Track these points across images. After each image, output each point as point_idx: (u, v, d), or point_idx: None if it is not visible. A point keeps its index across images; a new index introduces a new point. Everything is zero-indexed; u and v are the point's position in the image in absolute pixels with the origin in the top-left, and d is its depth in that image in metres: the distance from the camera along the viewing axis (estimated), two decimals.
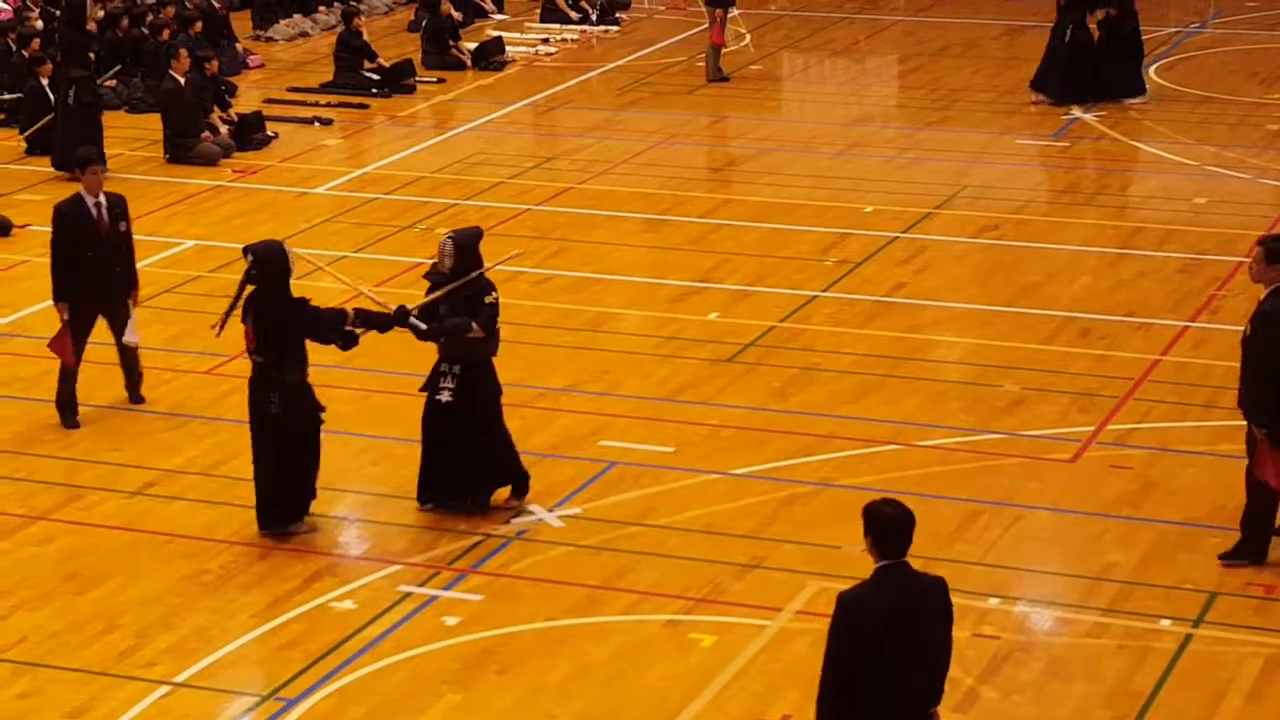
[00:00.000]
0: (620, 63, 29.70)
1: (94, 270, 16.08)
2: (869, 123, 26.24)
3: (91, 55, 26.22)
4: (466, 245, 14.11)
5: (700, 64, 28.48)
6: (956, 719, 11.56)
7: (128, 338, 16.32)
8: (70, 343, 16.01)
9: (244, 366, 16.96)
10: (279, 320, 13.73)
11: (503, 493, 14.36)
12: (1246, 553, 13.31)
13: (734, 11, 29.06)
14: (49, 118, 24.27)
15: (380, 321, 14.16)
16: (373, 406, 16.38)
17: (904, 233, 21.08)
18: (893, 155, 24.40)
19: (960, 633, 12.01)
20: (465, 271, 14.03)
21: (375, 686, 12.03)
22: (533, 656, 12.40)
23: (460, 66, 29.28)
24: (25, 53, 25.58)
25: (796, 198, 22.45)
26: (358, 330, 14.05)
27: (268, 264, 13.77)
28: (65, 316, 16.06)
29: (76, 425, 16.03)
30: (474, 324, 13.97)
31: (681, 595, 13.17)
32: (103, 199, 16.24)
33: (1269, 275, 12.88)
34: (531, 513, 14.23)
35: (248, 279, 13.82)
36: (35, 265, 20.23)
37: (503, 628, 12.75)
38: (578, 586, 13.30)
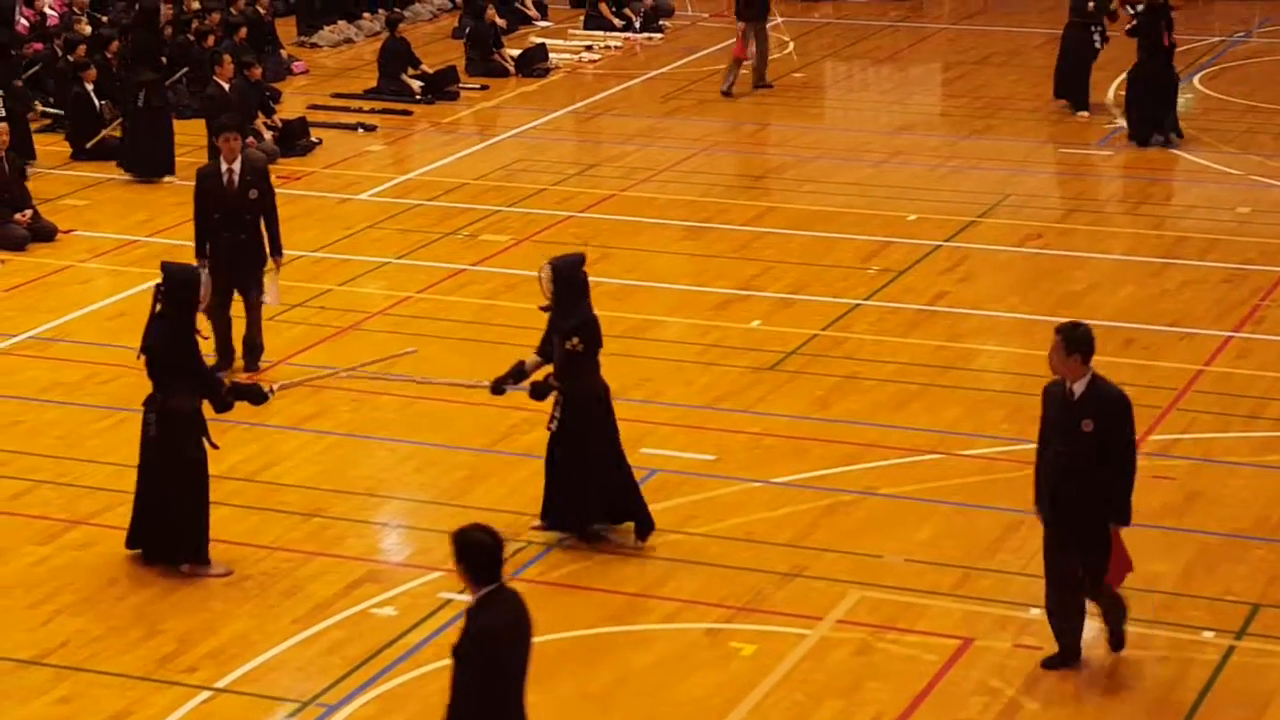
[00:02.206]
0: (663, 70, 29.70)
1: (220, 233, 16.93)
2: (912, 131, 26.19)
3: (164, 60, 26.26)
4: (566, 272, 13.74)
5: (745, 72, 28.46)
6: None
7: (267, 298, 17.16)
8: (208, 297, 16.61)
9: (289, 374, 17.08)
10: (166, 346, 13.39)
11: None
12: None
13: (776, 20, 29.03)
14: (113, 125, 24.38)
15: (254, 394, 13.85)
16: (416, 413, 16.40)
17: (947, 241, 21.03)
18: (935, 164, 24.35)
19: (1002, 643, 12.05)
20: (567, 300, 13.66)
21: (416, 693, 12.04)
22: (573, 664, 12.39)
23: (504, 73, 29.30)
24: (71, 58, 25.67)
25: (839, 206, 22.42)
26: (230, 400, 13.66)
27: (175, 285, 13.47)
28: (204, 273, 16.58)
29: (227, 368, 16.90)
30: (549, 382, 13.82)
31: (722, 604, 13.15)
32: (237, 166, 17.04)
33: None
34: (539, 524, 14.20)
35: (155, 296, 13.56)
36: (80, 270, 20.32)
37: (543, 635, 12.68)
38: (618, 594, 13.29)
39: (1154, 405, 16.37)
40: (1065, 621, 12.15)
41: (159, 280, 13.59)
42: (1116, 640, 12.34)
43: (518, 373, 14.14)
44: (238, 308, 17.24)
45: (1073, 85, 26.38)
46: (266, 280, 17.31)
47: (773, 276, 19.94)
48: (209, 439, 13.52)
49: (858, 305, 19.00)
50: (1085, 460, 11.85)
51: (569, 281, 13.74)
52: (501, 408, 16.13)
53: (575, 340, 13.64)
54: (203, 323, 13.52)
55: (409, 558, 13.98)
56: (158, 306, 13.49)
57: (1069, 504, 11.92)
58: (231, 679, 12.17)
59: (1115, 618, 12.30)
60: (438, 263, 20.41)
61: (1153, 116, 24.83)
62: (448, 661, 12.29)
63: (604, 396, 13.87)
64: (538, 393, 13.97)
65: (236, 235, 17.08)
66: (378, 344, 17.89)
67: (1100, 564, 11.91)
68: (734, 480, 15.04)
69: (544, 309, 13.91)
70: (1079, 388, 11.93)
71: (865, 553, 13.79)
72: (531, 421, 15.90)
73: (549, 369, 13.97)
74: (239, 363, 17.24)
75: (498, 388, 14.31)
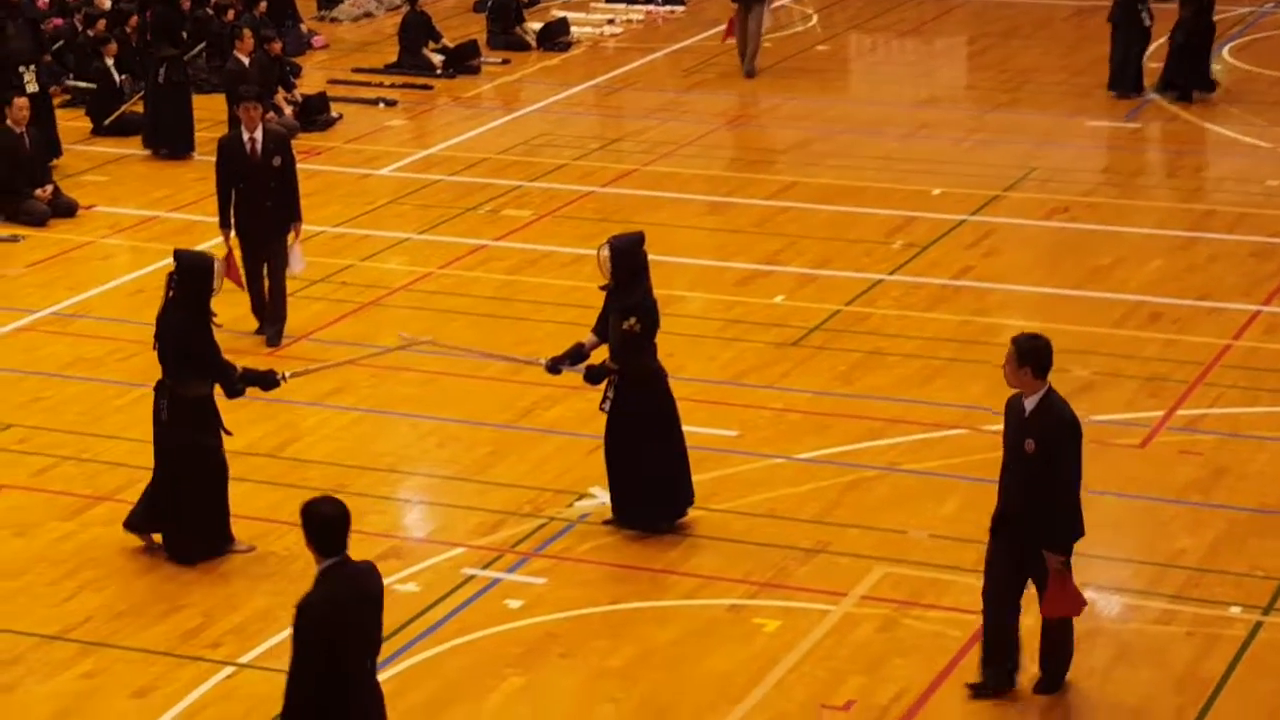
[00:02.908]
0: (686, 43, 29.58)
1: (245, 201, 17.16)
2: (937, 104, 26.08)
3: (184, 35, 26.21)
4: (625, 251, 13.55)
5: (767, 45, 28.33)
6: (1024, 704, 11.46)
7: (293, 266, 17.32)
8: (236, 265, 17.12)
9: (312, 349, 17.07)
10: (178, 333, 13.34)
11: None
12: None
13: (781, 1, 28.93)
14: (132, 101, 24.36)
15: (265, 380, 13.76)
16: (438, 389, 16.35)
17: (972, 215, 20.94)
18: (961, 137, 24.24)
19: (1027, 619, 11.95)
20: (627, 280, 13.46)
21: (438, 669, 12.01)
22: (596, 640, 12.35)
23: (525, 47, 29.22)
24: (91, 33, 25.64)
25: (863, 180, 22.33)
26: (241, 386, 13.64)
27: (188, 273, 13.41)
28: (230, 241, 17.24)
29: (265, 332, 17.31)
30: (605, 365, 13.66)
31: (745, 580, 13.10)
32: (259, 134, 17.22)
33: None
34: (595, 496, 14.17)
35: (168, 283, 13.50)
36: (101, 246, 20.30)
37: (566, 611, 12.71)
38: (641, 570, 13.25)
39: (1181, 380, 16.29)
40: (995, 644, 11.50)
41: (171, 268, 13.53)
42: (1045, 684, 11.54)
43: (576, 353, 13.91)
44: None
45: (1126, 73, 25.70)
46: (290, 248, 17.36)
47: (796, 251, 19.86)
48: (222, 426, 13.47)
49: (881, 280, 18.92)
50: (1027, 482, 11.22)
51: (629, 260, 13.56)
52: (524, 384, 16.10)
53: (633, 320, 13.46)
54: (216, 307, 13.45)
55: (431, 534, 13.94)
56: (170, 293, 13.43)
57: (1014, 523, 11.31)
58: (255, 654, 12.15)
59: (1053, 660, 11.57)
60: (459, 238, 20.36)
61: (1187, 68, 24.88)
62: (473, 637, 12.33)
63: (661, 378, 13.71)
64: (593, 376, 13.73)
65: (261, 203, 17.21)
66: (399, 320, 17.86)
67: (1042, 593, 11.30)
68: (757, 456, 14.98)
69: (604, 289, 13.73)
70: (1030, 404, 11.28)
71: (889, 528, 13.73)
72: (553, 398, 15.87)
73: (606, 350, 13.80)
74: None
75: (554, 367, 14.05)
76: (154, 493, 13.50)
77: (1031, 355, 11.26)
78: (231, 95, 24.04)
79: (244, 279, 17.37)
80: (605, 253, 13.57)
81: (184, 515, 13.37)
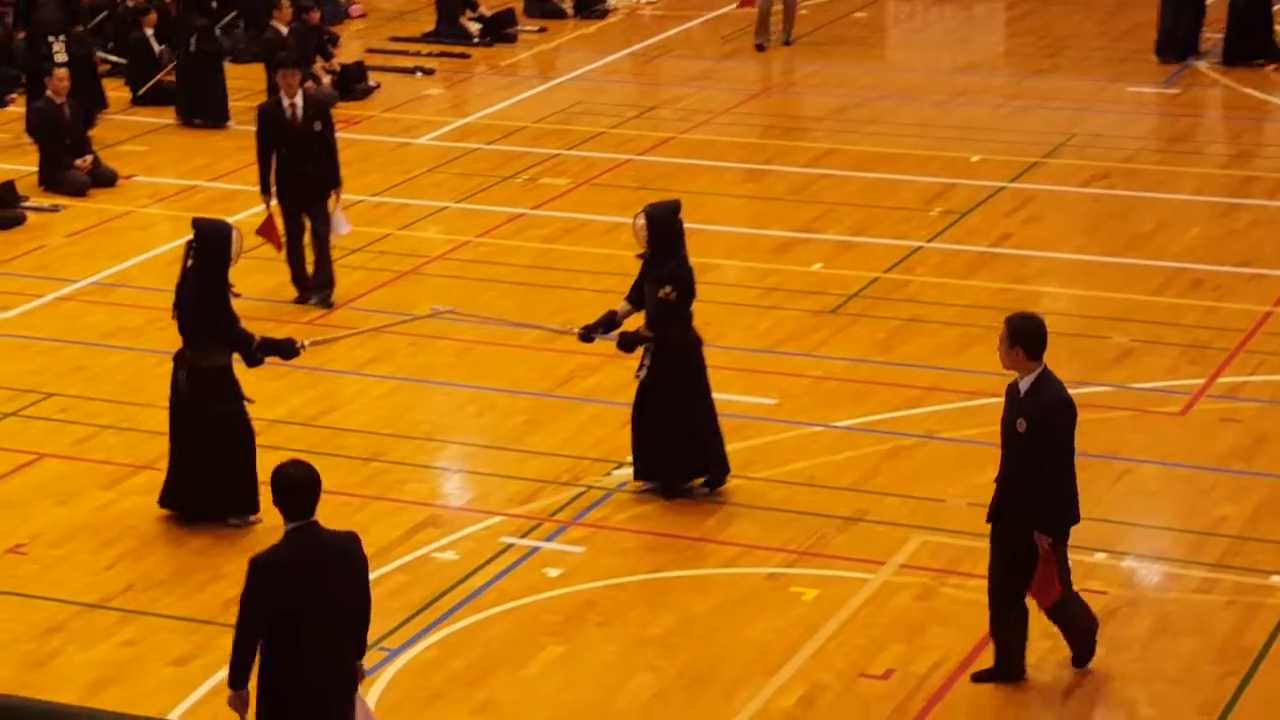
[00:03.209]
0: (722, 11, 29.49)
1: (286, 167, 17.23)
2: (975, 71, 25.98)
3: (214, 4, 26.22)
4: (660, 219, 13.53)
5: (804, 12, 28.24)
6: (1063, 674, 11.44)
7: (336, 230, 17.41)
8: (276, 230, 17.31)
9: (351, 317, 17.10)
10: (196, 303, 13.32)
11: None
12: None
13: None
14: (165, 71, 24.40)
15: (284, 349, 13.72)
16: (476, 358, 16.37)
17: (1011, 182, 20.86)
18: (1000, 104, 24.15)
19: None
20: (663, 248, 13.43)
21: (477, 637, 12.03)
22: (634, 608, 12.36)
23: (562, 15, 29.17)
24: (130, 3, 25.67)
25: (901, 147, 22.26)
26: (260, 355, 13.59)
27: (206, 242, 13.37)
28: (271, 207, 17.33)
29: (306, 300, 17.48)
30: (639, 333, 13.66)
31: (784, 548, 13.09)
32: (299, 100, 17.31)
33: None
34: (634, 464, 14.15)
35: (186, 252, 13.48)
36: (140, 216, 20.35)
37: (604, 580, 12.73)
38: (679, 539, 13.25)
39: (1222, 347, 16.23)
40: (1000, 635, 11.33)
41: (190, 237, 13.51)
42: (1078, 656, 11.47)
43: (608, 321, 13.91)
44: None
45: (1176, 38, 25.46)
46: (332, 213, 17.42)
47: (833, 219, 19.81)
48: (242, 394, 13.48)
49: (920, 248, 18.87)
50: (1021, 464, 11.00)
51: (665, 228, 13.54)
52: (561, 352, 16.11)
53: (668, 289, 13.43)
54: (255, 276, 13.45)
55: (469, 502, 13.96)
56: (189, 262, 13.43)
57: (1010, 509, 11.09)
58: None
59: (1076, 636, 11.43)
60: (496, 207, 20.35)
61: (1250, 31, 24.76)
62: (511, 606, 12.36)
63: (696, 347, 13.68)
64: (626, 344, 13.73)
65: (303, 168, 17.29)
66: (436, 289, 17.87)
67: (1032, 578, 11.04)
68: (795, 424, 14.96)
69: (641, 257, 13.71)
70: (1024, 385, 11.02)
71: (927, 497, 13.71)
72: (590, 366, 15.87)
73: (640, 318, 13.79)
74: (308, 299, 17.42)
75: (587, 335, 14.07)
76: (175, 465, 13.53)
77: (1023, 335, 10.99)
78: (270, 65, 24.10)
79: (284, 245, 17.44)
80: (641, 221, 13.56)
81: (212, 483, 13.39)
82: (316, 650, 9.36)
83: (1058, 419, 10.93)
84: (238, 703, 9.52)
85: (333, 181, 17.48)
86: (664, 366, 13.57)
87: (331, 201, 17.45)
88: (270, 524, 13.36)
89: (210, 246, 13.35)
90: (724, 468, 13.80)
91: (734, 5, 28.93)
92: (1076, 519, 11.13)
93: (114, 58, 25.15)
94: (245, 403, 13.48)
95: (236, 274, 13.61)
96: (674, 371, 13.57)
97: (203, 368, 13.32)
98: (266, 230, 17.40)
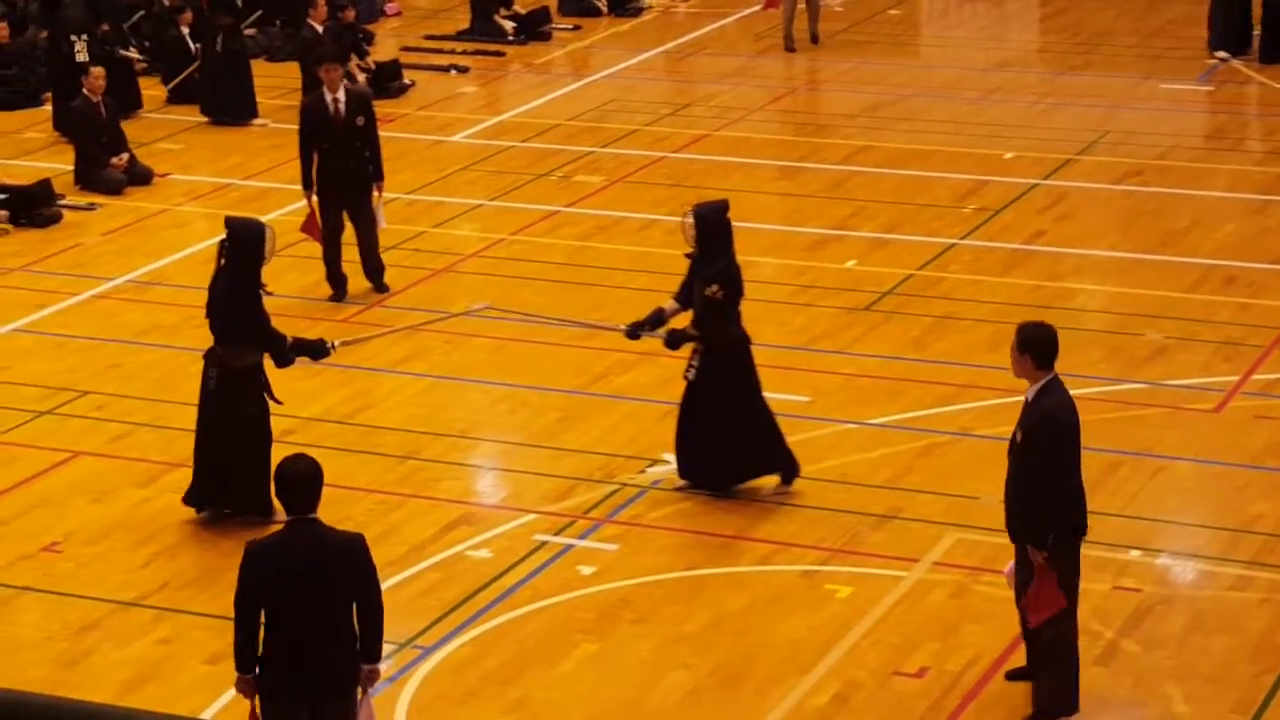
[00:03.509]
0: (756, 9, 29.47)
1: (328, 162, 17.29)
2: (1009, 68, 25.94)
3: (239, 2, 26.30)
4: (708, 218, 13.57)
5: (839, 9, 28.21)
6: (1097, 672, 11.43)
7: (377, 225, 17.51)
8: (317, 224, 17.35)
9: (383, 316, 17.14)
10: (228, 302, 13.34)
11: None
12: None
13: None
14: (192, 67, 24.47)
15: (315, 350, 13.75)
16: (509, 355, 16.40)
17: (1044, 179, 20.83)
18: (1033, 100, 24.11)
19: (1100, 585, 11.95)
20: (711, 247, 13.45)
21: (511, 635, 12.06)
22: (668, 606, 12.38)
23: (596, 13, 29.19)
24: (166, 1, 25.74)
25: (935, 144, 22.24)
26: (291, 355, 13.62)
27: (239, 241, 13.37)
28: (313, 202, 17.42)
29: (342, 298, 17.52)
30: (687, 331, 13.66)
31: (817, 546, 13.10)
32: (341, 95, 17.33)
33: None
34: (670, 463, 14.17)
35: (219, 251, 13.49)
36: (176, 214, 20.42)
37: (638, 577, 12.75)
38: (713, 536, 13.27)
39: (1256, 344, 16.19)
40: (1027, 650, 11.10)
41: (223, 236, 13.53)
42: (1030, 678, 11.00)
43: (655, 319, 13.94)
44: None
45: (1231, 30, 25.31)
46: (375, 206, 17.54)
47: (867, 216, 19.81)
48: (271, 394, 13.51)
49: (953, 245, 18.86)
50: (1013, 474, 10.77)
51: (713, 228, 13.56)
52: (595, 349, 16.14)
53: (715, 288, 13.46)
54: (269, 276, 13.49)
55: (503, 500, 13.99)
56: (221, 261, 13.46)
57: (1009, 519, 10.85)
58: None
59: (1042, 678, 10.90)
60: (531, 204, 20.38)
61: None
62: (545, 603, 12.38)
63: (744, 346, 13.67)
64: (673, 341, 13.77)
65: (346, 163, 17.36)
66: (471, 287, 17.91)
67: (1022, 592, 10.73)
68: (829, 421, 14.97)
69: (689, 256, 13.73)
70: (1030, 394, 10.77)
71: (962, 494, 13.71)
72: (625, 363, 15.90)
73: (687, 316, 13.78)
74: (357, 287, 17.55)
75: (633, 332, 14.09)
76: (202, 464, 13.54)
77: (1031, 343, 10.73)
78: (305, 63, 24.16)
79: (323, 239, 17.52)
80: (689, 220, 13.60)
81: (237, 483, 13.43)
82: (293, 645, 9.39)
83: (1049, 431, 10.59)
84: (244, 687, 9.60)
85: (375, 176, 17.54)
86: (712, 366, 13.55)
87: (375, 195, 17.52)
88: None
89: (243, 245, 13.37)
90: (794, 463, 13.76)
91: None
92: (1066, 531, 10.67)
93: (135, 55, 25.16)
94: (274, 403, 13.49)
95: (271, 272, 13.66)
96: (723, 371, 13.55)
97: (233, 367, 13.36)
98: (309, 225, 17.48)
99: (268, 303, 13.54)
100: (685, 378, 13.71)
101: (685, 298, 13.79)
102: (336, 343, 14.00)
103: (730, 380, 13.58)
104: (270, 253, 13.40)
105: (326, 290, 17.65)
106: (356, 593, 9.46)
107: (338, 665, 9.49)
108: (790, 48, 26.61)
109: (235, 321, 13.35)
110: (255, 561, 9.43)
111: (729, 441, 13.60)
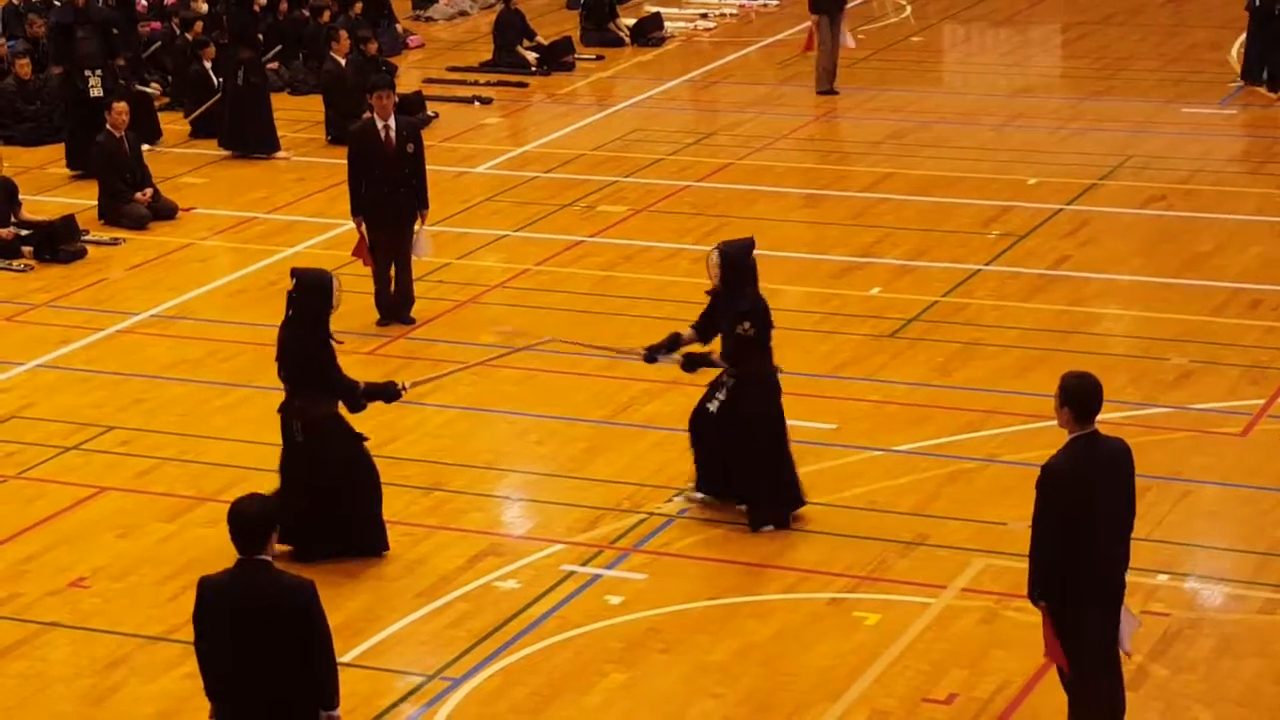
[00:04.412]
0: (779, 37, 29.55)
1: (377, 189, 17.37)
2: (1032, 93, 25.94)
3: (260, 36, 26.44)
4: (734, 257, 13.67)
5: (861, 36, 28.24)
6: (1127, 698, 11.37)
7: (418, 252, 17.58)
8: (367, 250, 17.46)
9: (409, 347, 17.16)
10: (302, 352, 13.31)
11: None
12: None
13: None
14: (214, 100, 24.55)
15: (387, 393, 13.75)
16: (536, 386, 16.40)
17: (1068, 205, 20.82)
18: (1056, 126, 24.11)
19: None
20: (736, 286, 13.56)
21: (539, 666, 12.05)
22: (696, 635, 12.36)
23: (619, 43, 29.27)
24: (189, 35, 25.86)
25: (959, 170, 22.24)
26: (364, 401, 13.60)
27: (308, 292, 13.33)
28: (363, 228, 17.53)
29: (387, 322, 17.68)
30: (705, 355, 13.83)
31: (845, 573, 13.08)
32: (392, 122, 17.49)
33: None
34: (695, 491, 14.16)
35: (288, 302, 13.46)
36: (200, 248, 20.47)
37: (666, 606, 12.73)
38: (740, 565, 13.25)
39: None
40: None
41: (290, 287, 13.43)
42: None
43: (672, 342, 14.07)
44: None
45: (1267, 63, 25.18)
46: (417, 234, 17.58)
47: (892, 243, 19.80)
48: (357, 434, 13.47)
49: (978, 271, 18.84)
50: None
51: (738, 266, 13.65)
52: (621, 380, 16.15)
53: (746, 325, 13.54)
54: (334, 326, 13.47)
55: (530, 530, 13.99)
56: (290, 312, 13.42)
57: None
58: (356, 653, 12.21)
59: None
60: (555, 234, 20.41)
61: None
62: (573, 634, 12.37)
63: (773, 381, 13.73)
64: (690, 365, 13.93)
65: (396, 190, 17.45)
66: (496, 317, 17.93)
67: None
68: (855, 449, 14.95)
69: (710, 293, 13.82)
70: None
71: (988, 520, 13.68)
72: (651, 393, 15.90)
73: (708, 347, 13.88)
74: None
75: (651, 356, 14.22)
76: (301, 516, 13.33)
77: (1069, 394, 10.23)
78: (329, 96, 24.28)
79: (373, 264, 17.59)
80: (715, 257, 13.70)
81: (356, 523, 13.43)
82: (241, 686, 9.31)
83: (1040, 486, 10.16)
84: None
85: (421, 203, 17.61)
86: (746, 397, 13.59)
87: (418, 224, 17.60)
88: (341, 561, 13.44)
89: (313, 296, 13.33)
90: (797, 499, 13.81)
91: (789, 30, 29.01)
92: (1040, 598, 10.20)
93: (151, 90, 25.22)
94: (364, 441, 13.49)
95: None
96: (757, 401, 13.60)
97: (315, 416, 13.33)
98: (360, 250, 17.57)
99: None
100: (709, 408, 13.76)
101: (704, 331, 13.87)
102: (407, 384, 14.00)
103: (765, 409, 13.62)
104: (337, 301, 13.41)
105: (351, 324, 17.62)
106: (305, 638, 9.32)
107: (295, 713, 9.35)
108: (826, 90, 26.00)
109: (311, 372, 13.31)
110: (204, 595, 9.37)
111: (770, 469, 13.67)
